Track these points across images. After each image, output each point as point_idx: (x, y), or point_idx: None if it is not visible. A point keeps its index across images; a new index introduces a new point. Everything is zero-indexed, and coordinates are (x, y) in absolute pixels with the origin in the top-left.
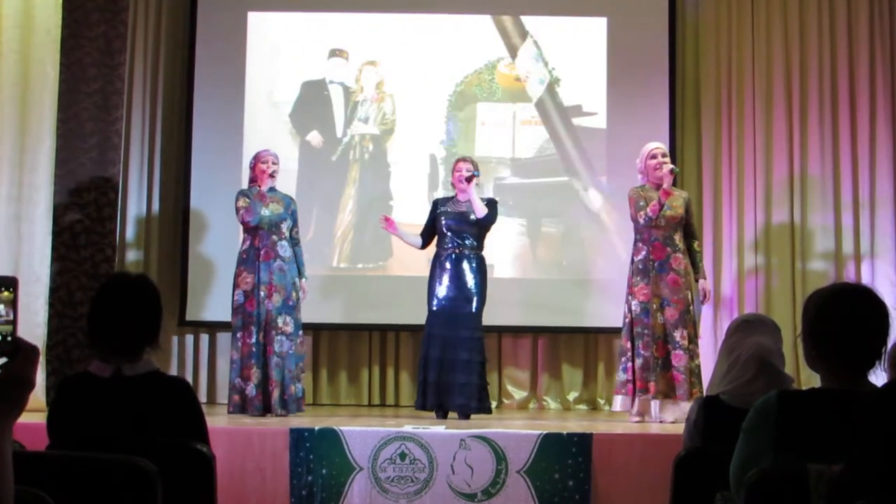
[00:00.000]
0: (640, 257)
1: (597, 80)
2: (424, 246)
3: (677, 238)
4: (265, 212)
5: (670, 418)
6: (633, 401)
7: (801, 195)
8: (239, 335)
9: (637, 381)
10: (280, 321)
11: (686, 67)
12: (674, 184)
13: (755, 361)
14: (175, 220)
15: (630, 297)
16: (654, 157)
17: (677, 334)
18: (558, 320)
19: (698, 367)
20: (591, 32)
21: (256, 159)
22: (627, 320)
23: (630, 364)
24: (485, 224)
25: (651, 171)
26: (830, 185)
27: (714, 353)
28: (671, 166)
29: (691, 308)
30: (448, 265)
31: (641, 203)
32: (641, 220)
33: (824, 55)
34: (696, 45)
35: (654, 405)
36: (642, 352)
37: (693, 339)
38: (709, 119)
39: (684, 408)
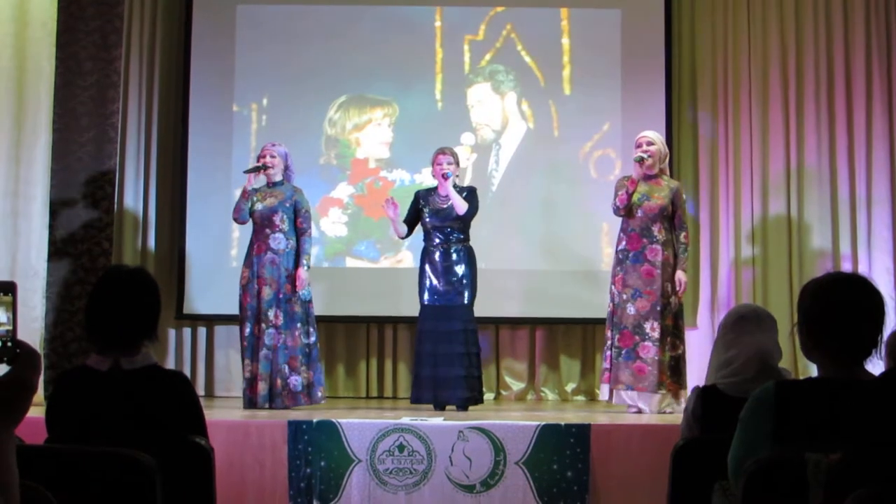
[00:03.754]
0: (620, 247)
1: (594, 71)
2: (406, 236)
3: (656, 229)
4: (258, 206)
5: (645, 408)
6: (608, 390)
7: (798, 186)
8: (241, 330)
9: (611, 370)
10: (271, 314)
11: (682, 58)
12: (670, 174)
13: (756, 363)
14: (172, 213)
15: (612, 287)
16: (638, 145)
17: (647, 326)
18: (556, 311)
19: (675, 358)
20: (586, 24)
21: (259, 153)
22: (609, 309)
23: (609, 353)
24: (466, 219)
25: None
26: (827, 175)
27: (710, 343)
28: (638, 155)
29: (671, 300)
30: (437, 258)
31: (619, 193)
32: (612, 209)
33: (820, 45)
34: (692, 35)
35: (625, 395)
36: (616, 342)
37: (670, 331)
38: (705, 110)
39: (652, 399)
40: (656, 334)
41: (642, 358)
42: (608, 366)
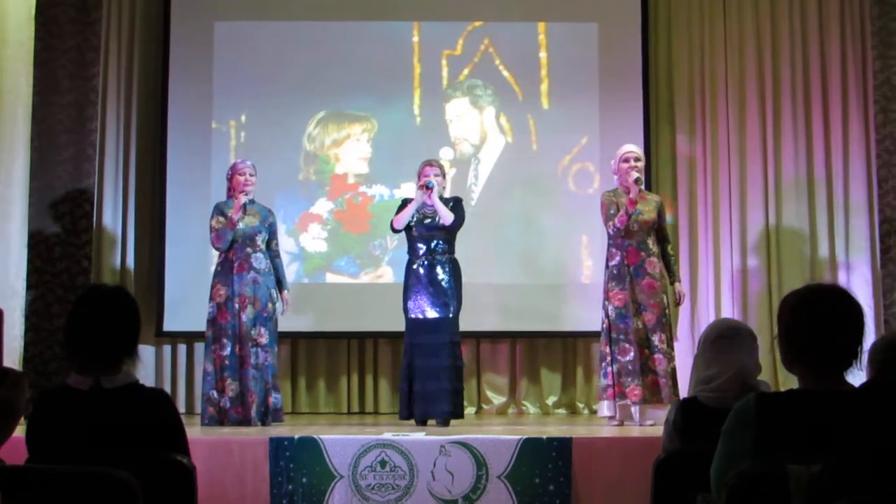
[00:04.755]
0: (614, 262)
1: (572, 84)
2: (399, 231)
3: (650, 242)
4: (240, 225)
5: (651, 421)
6: (615, 405)
7: (776, 197)
8: (212, 347)
9: (616, 386)
10: (255, 333)
11: (659, 71)
12: (647, 187)
13: (736, 382)
14: (151, 231)
15: (606, 303)
16: (626, 160)
17: (656, 338)
18: (536, 325)
19: (674, 369)
20: (564, 38)
21: (233, 171)
22: (605, 325)
23: (610, 369)
24: (453, 230)
25: (623, 174)
26: (805, 185)
27: (692, 355)
28: (636, 175)
29: (667, 311)
30: (422, 271)
31: (612, 211)
32: (611, 231)
33: (796, 56)
34: (668, 48)
35: (635, 409)
36: (619, 357)
37: (670, 342)
38: (683, 122)
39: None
40: (665, 345)
41: (655, 371)
42: (610, 382)
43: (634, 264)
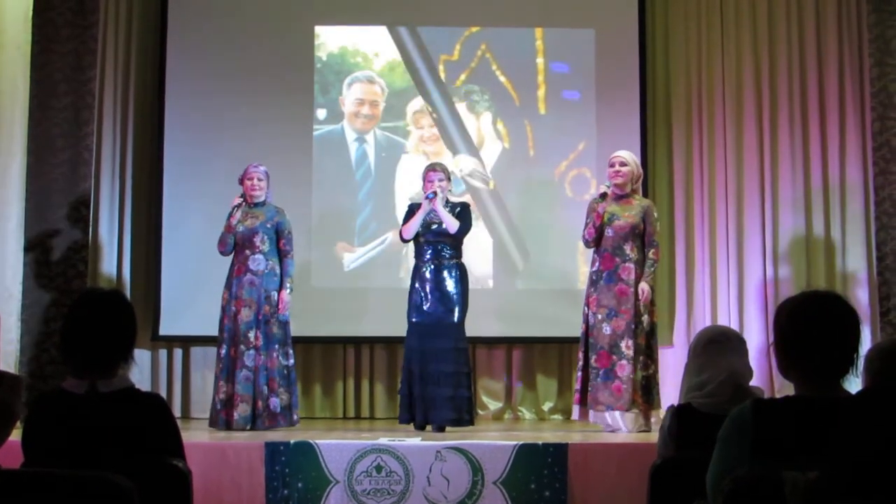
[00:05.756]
0: (594, 268)
1: (569, 90)
2: (409, 240)
3: (627, 248)
4: (238, 227)
5: (623, 428)
6: (579, 410)
7: (773, 204)
8: (218, 351)
9: (587, 392)
10: (251, 336)
11: (656, 77)
12: (644, 194)
13: (729, 386)
14: (148, 235)
15: (586, 308)
16: (611, 165)
17: (622, 344)
18: (532, 331)
19: (646, 378)
20: (561, 44)
21: (243, 174)
22: (582, 331)
23: (580, 374)
24: (458, 237)
25: (609, 179)
26: (802, 192)
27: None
28: (603, 188)
29: (643, 319)
30: (428, 276)
31: (587, 220)
32: (581, 240)
33: (794, 62)
34: (665, 54)
35: (607, 415)
36: (594, 363)
37: (643, 349)
38: (679, 129)
39: (628, 418)
40: (630, 352)
41: (619, 377)
42: (579, 387)
43: (608, 270)
